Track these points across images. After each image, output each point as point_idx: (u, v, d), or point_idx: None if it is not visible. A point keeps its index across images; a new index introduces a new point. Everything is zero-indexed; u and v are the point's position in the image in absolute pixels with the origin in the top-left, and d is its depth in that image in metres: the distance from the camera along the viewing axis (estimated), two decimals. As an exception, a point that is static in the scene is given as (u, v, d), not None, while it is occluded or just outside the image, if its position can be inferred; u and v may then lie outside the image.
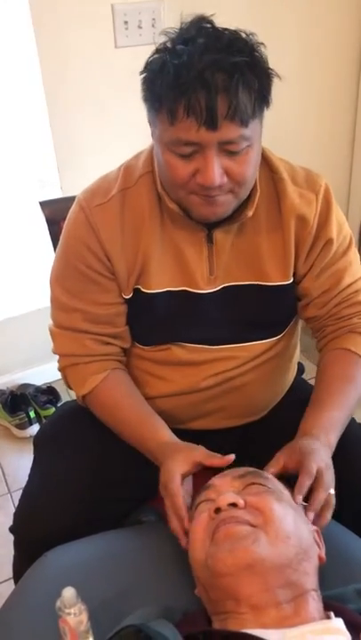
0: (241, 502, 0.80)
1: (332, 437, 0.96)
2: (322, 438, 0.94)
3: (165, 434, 1.03)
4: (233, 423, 1.18)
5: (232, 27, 0.90)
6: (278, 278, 1.06)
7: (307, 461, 0.88)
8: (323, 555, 0.83)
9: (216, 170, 0.87)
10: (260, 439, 1.16)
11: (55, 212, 1.27)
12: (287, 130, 2.21)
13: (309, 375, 1.32)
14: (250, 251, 1.04)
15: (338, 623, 0.72)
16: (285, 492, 0.86)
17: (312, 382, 1.29)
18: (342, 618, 0.73)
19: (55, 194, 1.94)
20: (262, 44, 0.89)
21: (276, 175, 1.04)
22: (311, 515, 0.85)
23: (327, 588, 0.82)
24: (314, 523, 0.85)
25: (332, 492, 0.88)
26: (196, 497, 0.89)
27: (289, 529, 0.78)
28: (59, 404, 2.12)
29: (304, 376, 1.35)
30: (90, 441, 1.11)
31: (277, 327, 1.12)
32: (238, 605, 0.74)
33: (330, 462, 0.91)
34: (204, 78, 0.82)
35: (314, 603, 0.75)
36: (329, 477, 0.89)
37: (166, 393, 1.13)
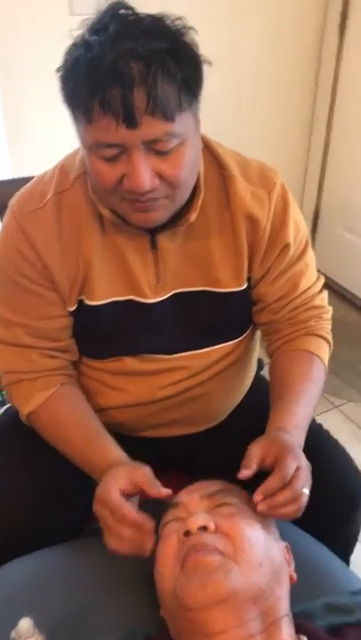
0: (212, 526, 0.75)
1: (302, 435, 0.91)
2: (294, 435, 0.88)
3: (113, 453, 0.91)
4: (191, 430, 1.12)
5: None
6: (231, 284, 0.98)
7: (286, 459, 0.80)
8: (293, 574, 0.78)
9: (144, 173, 0.78)
10: (220, 443, 1.12)
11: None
12: (242, 120, 2.18)
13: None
14: (199, 255, 0.96)
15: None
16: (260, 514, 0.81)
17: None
18: None
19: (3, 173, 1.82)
20: (191, 28, 0.79)
21: (225, 172, 0.95)
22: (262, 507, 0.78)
23: (294, 601, 0.78)
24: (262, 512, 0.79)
25: (306, 491, 0.80)
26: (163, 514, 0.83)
27: (260, 555, 0.73)
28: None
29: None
30: (44, 445, 1.03)
31: (235, 332, 1.06)
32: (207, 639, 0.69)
33: (306, 461, 0.84)
34: (118, 70, 0.73)
35: (286, 628, 0.71)
36: (306, 476, 0.81)
37: (121, 404, 1.06)
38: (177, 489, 1.17)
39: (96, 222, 0.92)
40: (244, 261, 0.97)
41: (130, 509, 0.78)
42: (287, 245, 0.98)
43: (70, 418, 0.98)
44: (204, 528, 0.74)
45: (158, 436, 1.11)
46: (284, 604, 0.73)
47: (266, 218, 0.95)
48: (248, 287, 1.01)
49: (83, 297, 0.96)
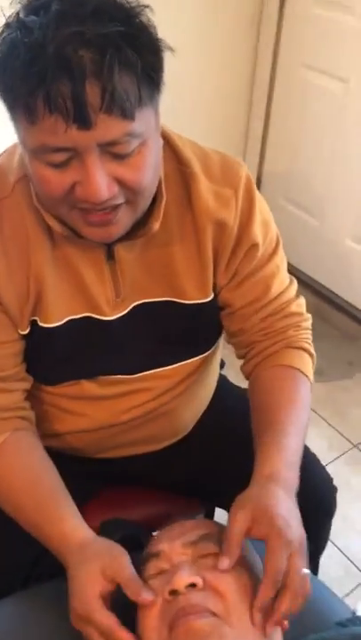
0: (200, 583, 0.68)
1: (295, 474, 0.80)
2: (288, 480, 0.77)
3: (72, 529, 0.78)
4: (155, 448, 1.06)
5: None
6: (196, 295, 0.89)
7: (274, 552, 0.67)
8: (285, 623, 0.72)
9: (100, 180, 0.68)
10: (185, 458, 1.07)
11: None
12: (181, 89, 2.07)
13: (229, 371, 1.21)
14: (161, 264, 0.86)
15: None
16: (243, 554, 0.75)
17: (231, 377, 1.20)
18: None
19: None
20: (147, 6, 0.68)
21: (186, 169, 0.85)
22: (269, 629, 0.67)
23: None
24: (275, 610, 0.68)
25: (307, 571, 0.70)
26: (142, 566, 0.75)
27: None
28: None
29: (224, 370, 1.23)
30: None
31: (202, 347, 0.97)
32: None
33: (301, 530, 0.72)
34: (65, 58, 0.61)
35: None
36: (302, 554, 0.70)
37: (80, 429, 0.97)
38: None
39: (44, 234, 0.82)
40: (209, 270, 0.88)
41: (122, 631, 0.68)
42: (255, 245, 0.89)
43: (22, 476, 0.84)
44: (192, 585, 0.68)
45: (118, 457, 1.04)
46: None
47: (233, 219, 0.86)
48: (215, 298, 0.92)
49: (36, 318, 0.86)
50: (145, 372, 0.92)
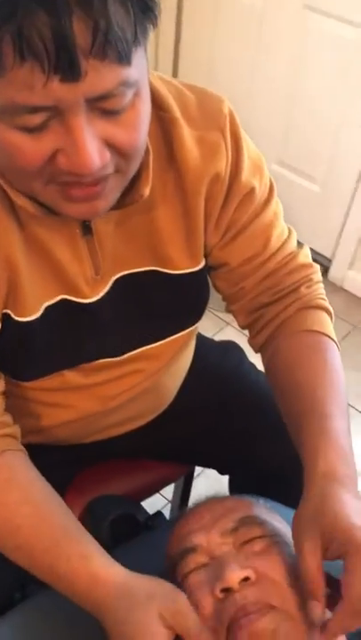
0: (253, 576, 0.61)
1: (353, 463, 0.67)
2: (347, 476, 0.64)
3: (103, 564, 0.64)
4: (140, 423, 0.96)
5: None
6: (185, 264, 0.77)
7: (353, 576, 0.55)
8: None
9: (90, 147, 0.53)
10: (169, 427, 0.99)
11: None
12: None
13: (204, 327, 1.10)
14: (143, 231, 0.73)
15: None
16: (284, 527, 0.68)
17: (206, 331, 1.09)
18: None
19: None
20: None
21: (165, 114, 0.70)
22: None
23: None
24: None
25: None
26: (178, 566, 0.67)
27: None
28: None
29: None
30: None
31: (192, 318, 0.85)
32: None
33: None
34: None
35: None
36: None
37: (65, 421, 0.84)
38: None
39: (9, 214, 0.65)
40: (199, 234, 0.75)
41: None
42: (251, 191, 0.76)
43: (23, 512, 0.67)
44: (246, 579, 0.61)
45: (102, 439, 0.94)
46: None
47: (225, 167, 0.73)
48: (206, 265, 0.80)
49: (8, 311, 0.70)
50: (131, 353, 0.80)
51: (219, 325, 2.10)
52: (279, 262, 0.82)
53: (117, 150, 0.56)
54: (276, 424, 0.79)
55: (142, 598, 0.60)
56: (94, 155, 0.53)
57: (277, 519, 0.71)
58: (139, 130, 0.57)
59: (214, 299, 0.87)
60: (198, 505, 0.73)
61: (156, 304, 0.78)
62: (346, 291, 2.34)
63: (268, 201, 0.80)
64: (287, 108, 2.16)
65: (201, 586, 0.63)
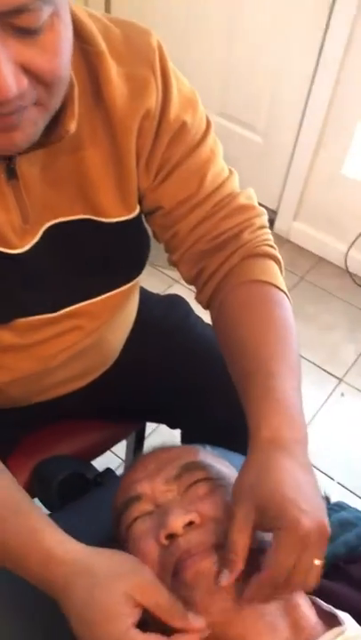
0: (197, 519, 0.61)
1: (303, 426, 0.63)
2: (294, 442, 0.61)
3: (59, 540, 0.59)
4: (85, 382, 0.94)
5: None
6: (118, 212, 0.73)
7: (280, 549, 0.54)
8: None
9: (5, 70, 0.48)
10: (115, 383, 0.97)
11: None
12: None
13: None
14: (72, 174, 0.69)
15: (349, 623, 0.59)
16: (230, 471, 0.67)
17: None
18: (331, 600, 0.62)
19: None
20: None
21: (91, 48, 0.65)
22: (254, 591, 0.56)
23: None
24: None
25: (318, 562, 0.55)
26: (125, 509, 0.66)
27: None
28: None
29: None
30: None
31: (134, 270, 0.81)
32: None
33: (320, 511, 0.56)
34: None
35: (304, 601, 0.61)
36: (318, 544, 0.55)
37: (3, 382, 0.80)
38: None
39: None
40: (132, 178, 0.71)
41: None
42: (183, 125, 0.71)
43: None
44: (190, 523, 0.60)
45: (47, 400, 0.91)
46: None
47: (155, 103, 0.69)
48: (142, 212, 0.76)
49: None
50: (68, 309, 0.76)
51: (167, 283, 2.08)
52: (217, 204, 0.77)
53: (36, 77, 0.51)
54: (223, 377, 0.76)
55: (104, 577, 0.56)
56: (9, 78, 0.48)
57: (224, 464, 0.71)
58: (59, 55, 0.52)
59: (161, 256, 0.84)
60: (144, 455, 0.72)
61: (91, 256, 0.74)
62: (292, 242, 2.35)
63: (203, 138, 0.75)
64: (225, 55, 2.11)
65: (146, 534, 0.62)
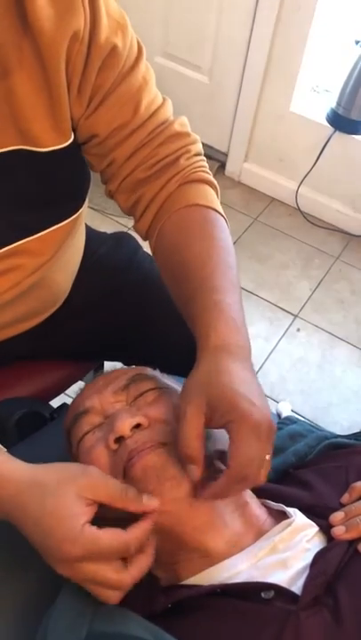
0: (145, 421, 0.63)
1: (246, 335, 0.66)
2: (240, 347, 0.63)
3: (8, 462, 0.61)
4: (37, 321, 0.93)
5: None
6: (52, 140, 0.70)
7: (237, 449, 0.56)
8: None
9: None
10: (71, 323, 0.97)
11: None
12: None
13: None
14: (2, 103, 0.66)
15: (298, 517, 0.62)
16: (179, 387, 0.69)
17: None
18: (281, 498, 0.65)
19: None
20: None
21: None
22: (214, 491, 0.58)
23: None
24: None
25: (268, 457, 0.58)
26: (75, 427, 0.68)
27: None
28: None
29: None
30: None
31: (71, 203, 0.78)
32: (186, 546, 0.61)
33: (266, 408, 0.58)
34: None
35: (253, 500, 0.64)
36: (268, 446, 0.57)
37: None
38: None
39: None
40: (64, 104, 0.69)
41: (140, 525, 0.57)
42: (114, 49, 0.69)
43: None
44: (137, 426, 0.63)
45: None
46: None
47: (82, 24, 0.66)
48: (76, 140, 0.74)
49: None
50: (7, 247, 0.74)
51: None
52: (152, 131, 0.76)
53: None
54: (174, 310, 0.77)
55: (53, 485, 0.57)
56: None
57: (173, 380, 0.72)
58: None
59: (113, 203, 0.83)
60: (100, 376, 0.73)
61: (27, 189, 0.72)
62: (243, 184, 2.34)
63: (135, 64, 0.74)
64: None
65: (96, 444, 0.64)
